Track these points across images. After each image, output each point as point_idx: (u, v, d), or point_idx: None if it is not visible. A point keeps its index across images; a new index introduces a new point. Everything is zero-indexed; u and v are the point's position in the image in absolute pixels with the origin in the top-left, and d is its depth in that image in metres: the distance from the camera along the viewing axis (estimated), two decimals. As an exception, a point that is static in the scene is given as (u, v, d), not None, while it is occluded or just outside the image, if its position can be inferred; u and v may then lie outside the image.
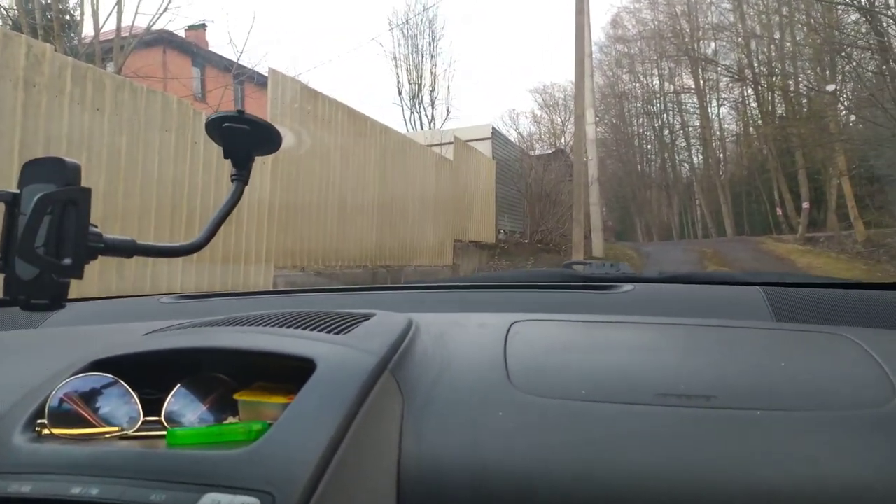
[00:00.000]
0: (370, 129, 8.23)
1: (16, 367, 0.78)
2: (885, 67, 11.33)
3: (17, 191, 0.56)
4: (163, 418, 0.59)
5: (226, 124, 0.72)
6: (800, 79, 20.05)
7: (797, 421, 0.55)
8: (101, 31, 9.68)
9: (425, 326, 0.76)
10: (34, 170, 0.57)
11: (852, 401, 0.57)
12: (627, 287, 0.99)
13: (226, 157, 0.75)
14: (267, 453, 0.50)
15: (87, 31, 10.05)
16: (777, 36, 21.14)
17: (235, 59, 11.13)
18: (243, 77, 12.16)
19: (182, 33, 15.19)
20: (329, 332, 0.68)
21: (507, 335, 0.73)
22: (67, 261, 0.52)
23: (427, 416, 0.60)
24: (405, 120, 24.32)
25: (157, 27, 10.63)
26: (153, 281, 4.72)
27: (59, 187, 0.53)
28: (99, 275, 4.26)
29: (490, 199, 12.85)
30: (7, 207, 0.56)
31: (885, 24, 11.11)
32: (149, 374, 0.64)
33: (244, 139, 0.74)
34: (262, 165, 5.75)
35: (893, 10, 10.30)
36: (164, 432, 0.56)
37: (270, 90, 6.36)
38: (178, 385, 0.62)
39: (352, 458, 0.52)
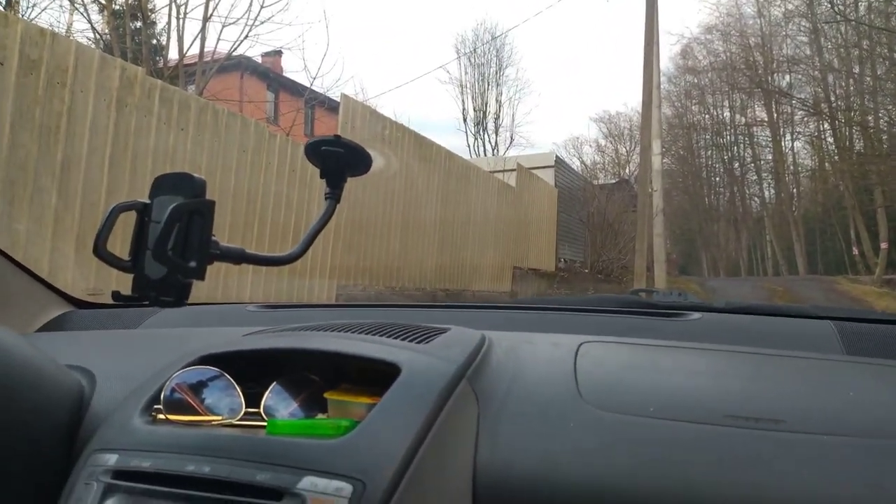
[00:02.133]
0: (435, 153, 8.39)
1: (128, 360, 0.86)
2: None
3: (149, 201, 0.64)
4: (262, 410, 0.65)
5: (324, 148, 0.79)
6: (880, 114, 19.23)
7: (864, 448, 0.56)
8: (185, 55, 10.27)
9: (497, 341, 0.80)
10: (164, 183, 0.65)
11: None
12: (695, 315, 1.00)
13: (322, 177, 0.82)
14: (359, 445, 0.55)
15: (172, 54, 10.66)
16: (856, 70, 20.38)
17: (308, 85, 11.60)
18: (314, 101, 12.62)
19: (259, 59, 15.92)
20: (411, 341, 0.73)
21: (576, 354, 0.76)
22: (193, 263, 0.59)
23: (501, 424, 0.63)
24: (469, 146, 24.62)
25: (236, 53, 11.19)
26: (224, 290, 4.92)
27: (186, 199, 0.60)
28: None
29: (551, 227, 12.80)
30: (138, 215, 0.64)
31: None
32: (248, 370, 0.70)
33: (339, 162, 0.80)
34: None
35: None
36: (264, 423, 0.62)
37: (342, 114, 6.60)
38: (275, 382, 0.68)
39: (432, 457, 0.56)
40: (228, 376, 0.67)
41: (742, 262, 35.63)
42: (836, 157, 25.38)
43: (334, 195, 0.83)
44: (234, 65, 14.33)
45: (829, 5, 17.97)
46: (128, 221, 0.64)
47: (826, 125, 25.91)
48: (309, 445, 0.55)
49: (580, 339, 0.82)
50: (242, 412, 0.65)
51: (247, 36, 10.48)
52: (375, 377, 0.66)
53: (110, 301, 0.67)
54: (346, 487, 0.51)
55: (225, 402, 0.67)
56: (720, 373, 0.74)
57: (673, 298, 1.19)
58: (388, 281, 7.24)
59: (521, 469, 0.59)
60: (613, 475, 0.58)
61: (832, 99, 23.90)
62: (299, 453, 0.55)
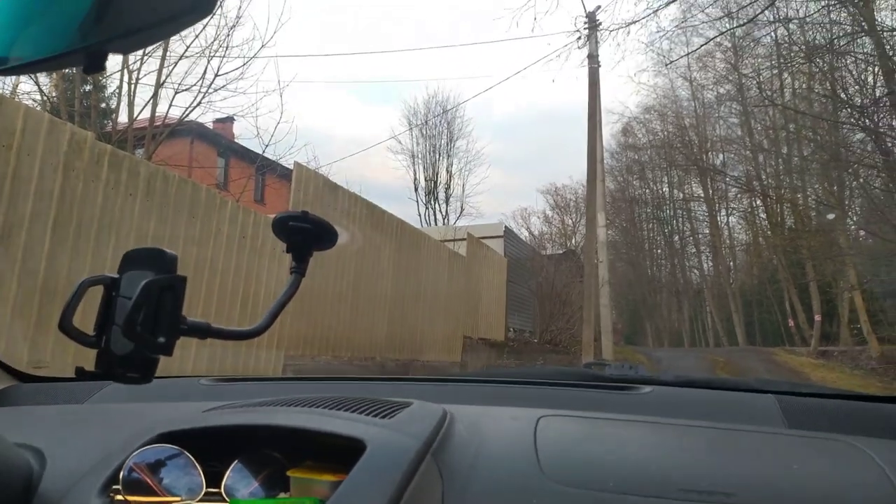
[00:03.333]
0: (387, 222, 8.46)
1: (79, 438, 0.83)
2: (891, 185, 11.60)
3: (117, 275, 0.64)
4: (223, 490, 0.64)
5: (291, 223, 0.81)
6: (808, 192, 20.47)
7: None
8: (135, 119, 10.20)
9: (459, 416, 0.81)
10: (134, 257, 0.65)
11: None
12: (646, 389, 1.04)
13: (288, 251, 0.83)
14: None
15: (122, 118, 10.57)
16: (785, 150, 21.78)
17: (261, 151, 11.64)
18: (266, 168, 12.63)
19: (211, 125, 15.93)
20: (375, 415, 0.73)
21: (536, 428, 0.78)
22: (162, 339, 0.59)
23: (466, 500, 0.64)
24: (420, 215, 24.89)
25: (188, 119, 11.18)
26: (166, 361, 4.71)
27: (157, 274, 0.61)
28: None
29: (501, 296, 12.92)
30: (105, 290, 0.64)
31: (890, 144, 11.48)
32: (208, 448, 0.69)
33: (305, 236, 0.82)
34: (281, 253, 5.89)
35: (897, 132, 10.69)
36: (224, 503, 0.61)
37: (294, 182, 6.63)
38: (236, 460, 0.67)
39: None
40: (188, 454, 0.66)
41: (684, 332, 36.50)
42: (769, 233, 26.70)
43: (300, 269, 0.84)
44: (185, 130, 14.29)
45: (758, 91, 19.34)
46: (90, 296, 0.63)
47: (758, 202, 27.39)
48: None
49: (538, 413, 0.83)
50: (203, 492, 0.64)
51: (199, 103, 10.51)
52: (338, 453, 0.66)
53: (55, 374, 0.66)
54: None
55: (184, 481, 0.65)
56: (673, 447, 0.77)
57: (625, 372, 1.23)
58: (337, 350, 7.12)
59: None
60: None
61: (763, 177, 25.36)
62: None
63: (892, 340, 14.48)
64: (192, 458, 0.65)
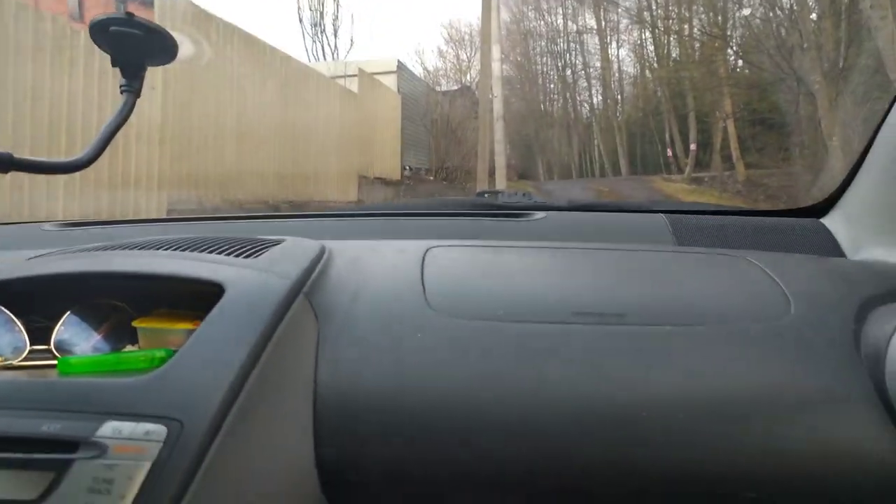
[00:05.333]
0: (269, 56, 7.81)
1: None
2: (771, 14, 11.93)
3: None
4: (52, 347, 0.55)
5: (113, 28, 0.65)
6: (694, 23, 20.76)
7: (703, 335, 0.59)
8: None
9: (339, 252, 0.74)
10: None
11: (752, 316, 0.61)
12: (540, 215, 1.01)
13: (114, 65, 0.68)
14: (174, 378, 0.47)
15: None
16: (676, -22, 21.68)
17: (115, -27, 10.10)
18: (125, -6, 11.10)
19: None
20: (238, 255, 0.64)
21: (423, 260, 0.72)
22: None
23: (343, 339, 0.58)
24: (307, 49, 23.22)
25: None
26: (31, 209, 4.35)
27: None
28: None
29: (395, 134, 12.66)
30: None
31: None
32: (35, 301, 0.58)
33: (135, 47, 0.67)
34: (150, 90, 5.33)
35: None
36: (55, 362, 0.52)
37: (157, 9, 5.86)
38: (68, 312, 0.57)
39: (265, 383, 0.50)
40: (5, 310, 0.55)
41: (574, 165, 37.88)
42: (656, 65, 27.31)
43: (132, 88, 0.70)
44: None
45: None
46: None
47: (647, 33, 27.60)
48: (111, 385, 0.47)
49: (427, 245, 0.78)
50: (27, 350, 0.54)
51: None
52: (198, 303, 0.57)
53: None
54: (159, 430, 0.43)
55: (5, 339, 0.55)
56: (566, 271, 0.74)
57: (518, 199, 1.19)
58: (226, 193, 6.80)
59: (366, 386, 0.55)
60: (464, 381, 0.55)
61: (653, 8, 25.38)
62: (98, 394, 0.46)
63: (757, 165, 15.66)
64: (10, 314, 0.55)
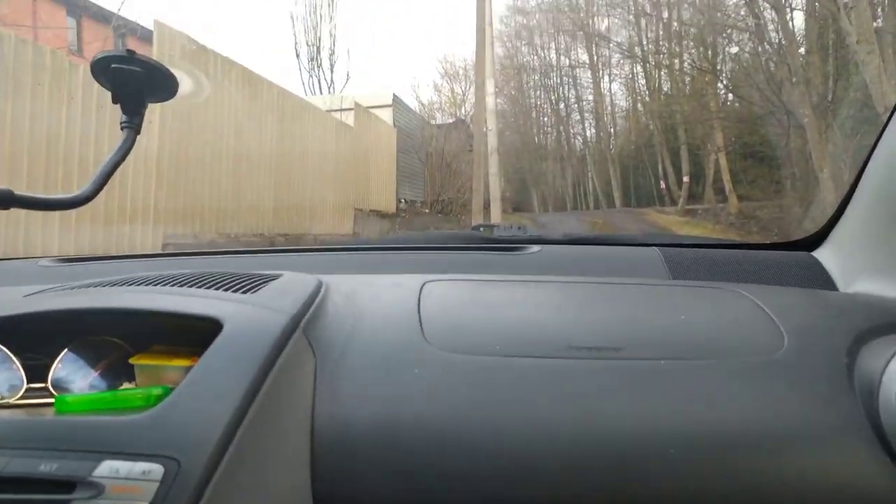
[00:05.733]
0: (267, 91, 7.89)
1: None
2: (760, 49, 12.17)
3: None
4: (49, 385, 0.55)
5: (115, 66, 0.66)
6: (684, 57, 21.16)
7: (698, 369, 0.59)
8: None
9: (336, 286, 0.74)
10: None
11: (746, 350, 0.62)
12: (535, 248, 1.02)
13: (115, 102, 0.69)
14: (170, 416, 0.47)
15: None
16: (665, 15, 22.19)
17: (117, 10, 10.28)
18: (125, 30, 11.24)
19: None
20: (236, 291, 0.65)
21: (420, 294, 0.73)
22: None
23: (341, 374, 0.58)
24: (304, 84, 23.51)
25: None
26: (26, 245, 4.34)
27: None
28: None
29: (391, 167, 12.74)
30: None
31: (761, 8, 11.90)
32: (32, 339, 0.58)
33: (135, 83, 0.68)
34: (147, 124, 5.37)
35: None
36: (52, 400, 0.52)
37: (156, 44, 5.93)
38: (66, 349, 0.57)
39: (263, 420, 0.50)
40: (2, 348, 0.55)
41: (568, 197, 38.14)
42: (648, 98, 27.74)
43: (132, 124, 0.71)
44: (22, -16, 12.32)
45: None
46: None
47: (639, 68, 28.11)
48: (108, 423, 0.46)
49: (423, 279, 0.78)
50: (24, 389, 0.54)
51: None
52: (196, 339, 0.57)
53: None
54: (156, 469, 0.43)
55: (1, 378, 0.55)
56: (561, 304, 0.74)
57: (513, 232, 1.20)
58: (222, 227, 6.80)
59: (363, 422, 0.55)
60: (461, 417, 0.55)
61: (644, 42, 25.91)
62: (95, 433, 0.45)
63: (749, 197, 15.80)
64: (7, 352, 0.55)
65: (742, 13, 12.75)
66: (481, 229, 1.33)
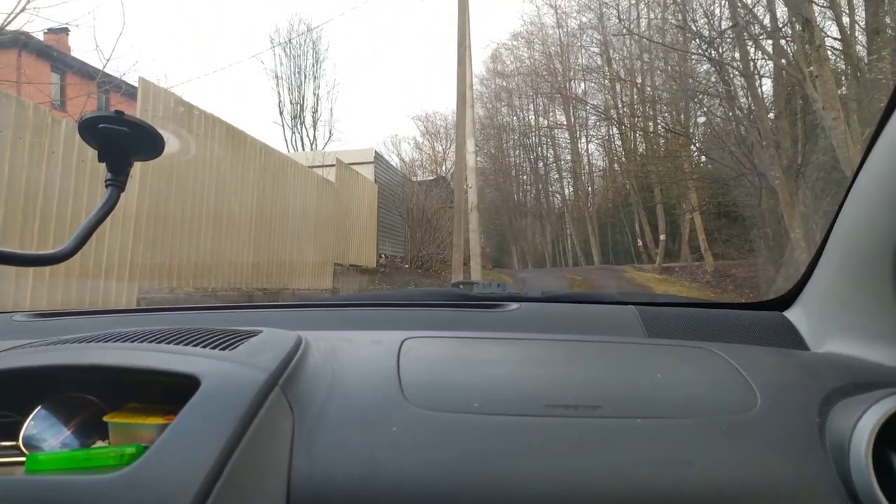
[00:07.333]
0: (249, 147, 7.97)
1: None
2: (731, 114, 12.61)
3: None
4: (20, 443, 0.54)
5: (102, 125, 0.68)
6: (658, 121, 21.85)
7: (674, 427, 0.60)
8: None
9: (315, 343, 0.74)
10: None
11: (721, 408, 0.63)
12: (513, 306, 1.03)
13: (101, 160, 0.70)
14: (144, 476, 0.46)
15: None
16: (639, 80, 23.02)
17: (101, 67, 10.38)
18: (109, 86, 11.37)
19: (41, 36, 14.02)
20: (214, 347, 0.65)
21: (399, 351, 0.73)
22: None
23: (319, 433, 0.58)
24: (286, 140, 23.87)
25: (12, 27, 9.70)
26: (-2, 301, 4.25)
27: None
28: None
29: (371, 222, 12.82)
30: None
31: (731, 75, 12.39)
32: (5, 396, 0.57)
33: (122, 142, 0.70)
34: (132, 178, 5.37)
35: (738, 63, 11.50)
36: (23, 458, 0.51)
37: (140, 100, 5.99)
38: (39, 407, 0.56)
39: (239, 480, 0.49)
40: (-27, 405, 0.54)
41: (547, 254, 38.49)
42: (624, 159, 28.44)
43: (117, 182, 0.72)
44: (11, 41, 12.46)
45: (617, 20, 20.16)
46: None
47: (615, 129, 28.96)
48: (80, 482, 0.46)
49: (403, 336, 0.79)
50: (-6, 447, 0.53)
51: (24, 9, 9.09)
52: (172, 396, 0.57)
53: None
54: None
55: (-30, 436, 0.54)
56: (539, 362, 0.75)
57: (492, 290, 1.21)
58: (199, 281, 6.74)
59: (341, 479, 0.55)
60: (438, 475, 0.55)
61: (619, 106, 26.76)
62: (67, 493, 0.45)
63: (724, 256, 16.08)
64: (-22, 409, 0.54)
65: (713, 80, 13.29)
66: (461, 286, 1.34)
